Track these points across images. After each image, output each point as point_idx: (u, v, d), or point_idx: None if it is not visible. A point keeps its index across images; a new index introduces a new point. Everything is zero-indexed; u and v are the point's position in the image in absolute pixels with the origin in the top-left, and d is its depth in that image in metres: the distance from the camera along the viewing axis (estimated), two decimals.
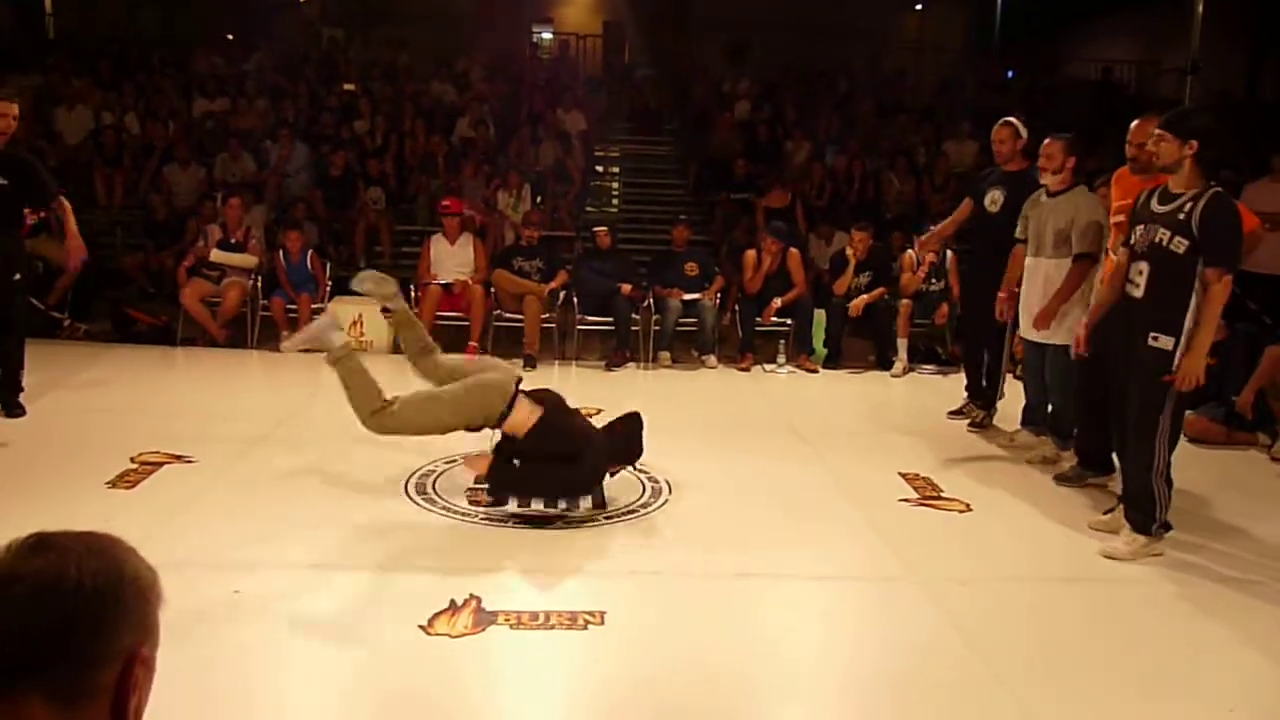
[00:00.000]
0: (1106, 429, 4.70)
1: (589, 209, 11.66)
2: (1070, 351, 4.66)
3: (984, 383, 6.04)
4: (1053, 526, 4.39)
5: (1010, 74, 16.96)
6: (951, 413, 6.22)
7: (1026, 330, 5.37)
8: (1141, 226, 3.96)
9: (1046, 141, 5.24)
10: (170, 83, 12.46)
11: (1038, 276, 5.26)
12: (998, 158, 5.86)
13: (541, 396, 4.46)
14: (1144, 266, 3.91)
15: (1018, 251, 5.46)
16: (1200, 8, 11.53)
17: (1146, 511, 3.97)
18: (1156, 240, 3.84)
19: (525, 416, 4.29)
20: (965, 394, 6.22)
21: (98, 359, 7.07)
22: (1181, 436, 4.64)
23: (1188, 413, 5.92)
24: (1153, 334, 3.84)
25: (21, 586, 1.03)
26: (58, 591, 1.03)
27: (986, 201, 5.82)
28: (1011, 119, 5.83)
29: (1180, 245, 3.77)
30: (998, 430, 5.89)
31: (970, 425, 5.99)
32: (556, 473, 4.30)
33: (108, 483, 4.39)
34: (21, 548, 1.07)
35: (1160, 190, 3.92)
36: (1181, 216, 3.77)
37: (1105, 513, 4.36)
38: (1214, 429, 5.73)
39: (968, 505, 4.57)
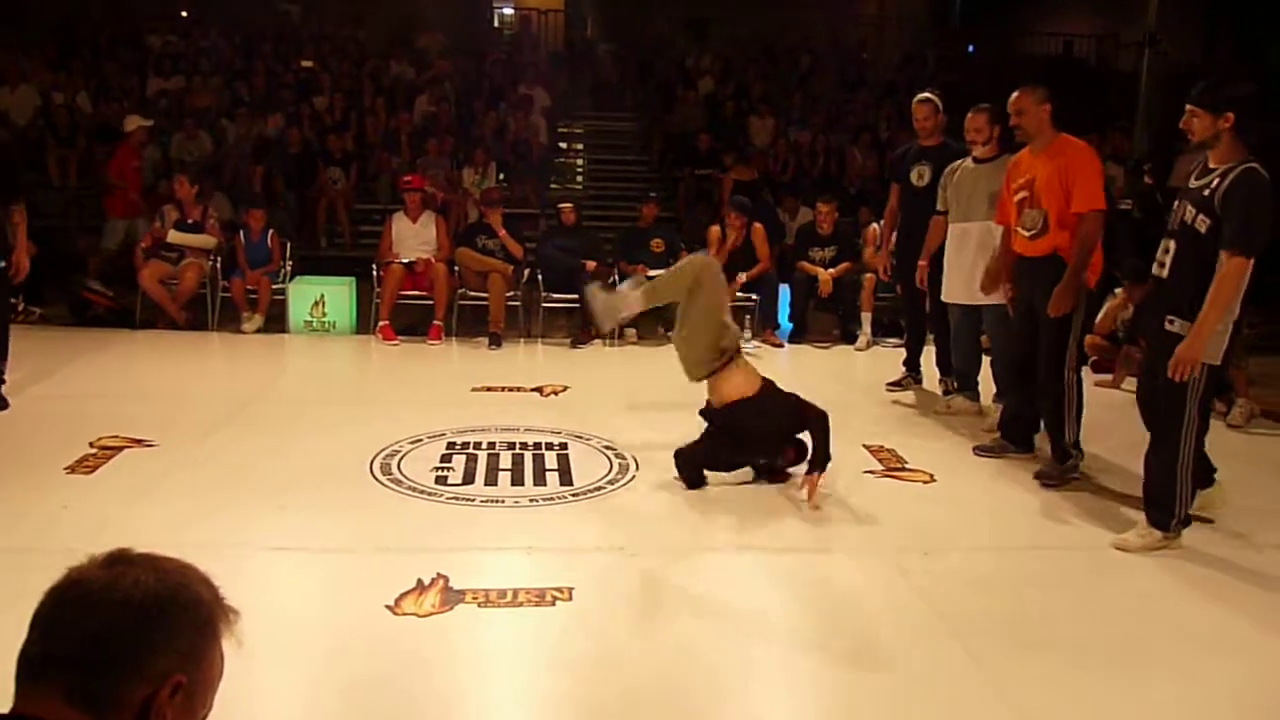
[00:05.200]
0: (1034, 404, 4.81)
1: (553, 186, 11.60)
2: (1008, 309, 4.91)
3: (936, 354, 6.14)
4: (1016, 496, 4.46)
5: (971, 49, 17.04)
6: (890, 384, 6.30)
7: (955, 296, 5.50)
8: (1176, 203, 3.76)
9: (970, 115, 5.37)
10: (123, 61, 12.20)
11: (968, 240, 5.37)
12: (920, 133, 5.98)
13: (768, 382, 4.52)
14: (1171, 245, 3.68)
15: (938, 222, 5.62)
16: None
17: (1167, 508, 3.76)
18: (1184, 217, 3.64)
19: (733, 387, 4.41)
20: (903, 366, 6.35)
21: (54, 343, 6.94)
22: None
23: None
24: (1169, 317, 3.62)
25: (77, 591, 1.11)
26: (104, 601, 1.10)
27: (913, 177, 5.96)
28: (930, 95, 5.96)
29: (1203, 224, 3.52)
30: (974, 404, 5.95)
31: (945, 393, 6.06)
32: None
33: (66, 468, 4.32)
34: (101, 559, 1.15)
35: (1201, 165, 3.71)
36: (1207, 193, 3.52)
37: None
38: None
39: (931, 476, 4.62)
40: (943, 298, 5.62)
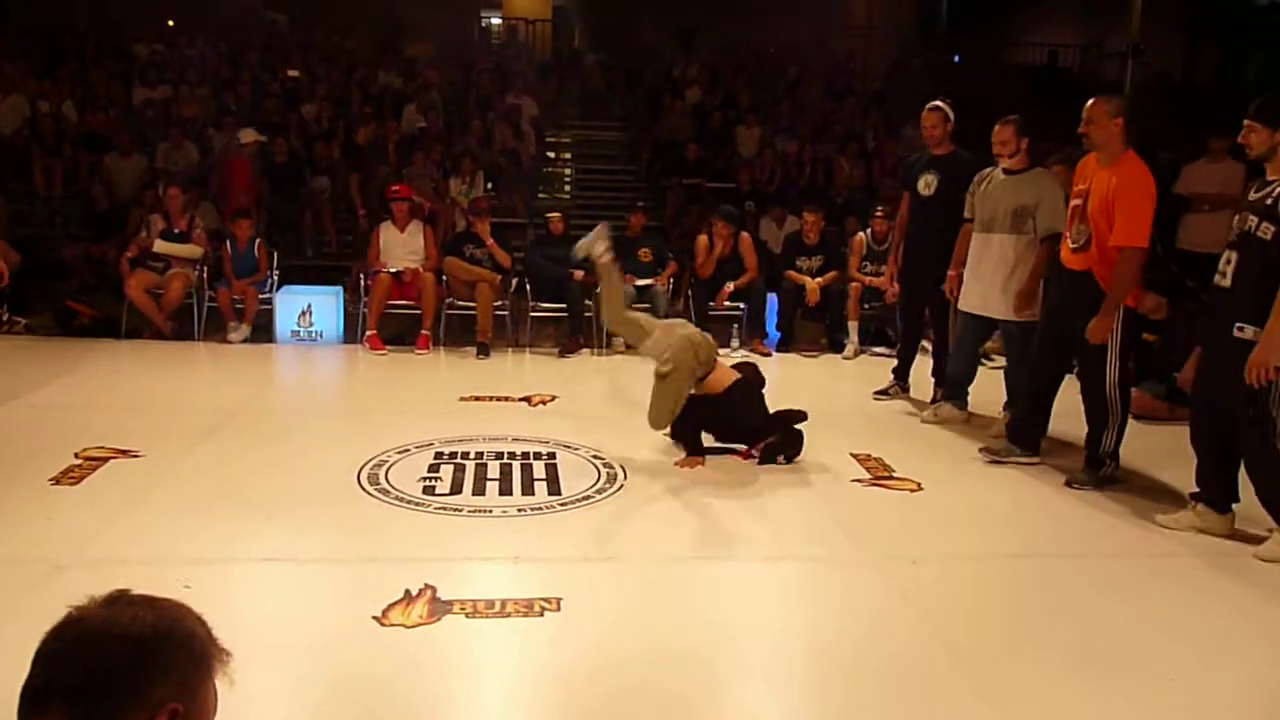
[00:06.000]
0: (1047, 412, 4.90)
1: (541, 195, 11.60)
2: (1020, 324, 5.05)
3: (933, 363, 6.16)
4: (1002, 504, 4.48)
5: (957, 58, 17.15)
6: (877, 393, 6.32)
7: (970, 305, 5.50)
8: (1237, 216, 3.87)
9: (997, 127, 5.32)
10: (109, 70, 12.16)
11: (989, 252, 5.35)
12: (929, 141, 5.93)
13: (740, 365, 5.17)
14: (1233, 255, 3.80)
15: (965, 230, 5.57)
16: None
17: None
18: (1246, 228, 3.75)
19: (724, 376, 4.91)
20: (892, 375, 6.34)
21: (39, 353, 6.91)
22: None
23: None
24: (1238, 324, 3.72)
25: (79, 627, 1.18)
26: (105, 635, 1.17)
27: (920, 185, 5.91)
28: (940, 104, 5.89)
29: (1267, 231, 3.65)
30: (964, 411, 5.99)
31: (934, 401, 6.08)
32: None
33: (51, 479, 4.29)
34: (101, 599, 1.21)
35: (1260, 178, 3.85)
36: (1269, 202, 3.67)
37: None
38: (1156, 405, 5.87)
39: (919, 485, 4.63)
40: (959, 305, 5.63)
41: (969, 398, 5.78)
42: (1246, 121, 3.78)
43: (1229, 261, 3.82)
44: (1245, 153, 3.94)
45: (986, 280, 5.38)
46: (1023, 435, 4.97)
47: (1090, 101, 4.55)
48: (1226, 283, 3.83)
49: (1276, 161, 3.74)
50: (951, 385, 5.81)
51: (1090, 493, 4.55)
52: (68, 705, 1.14)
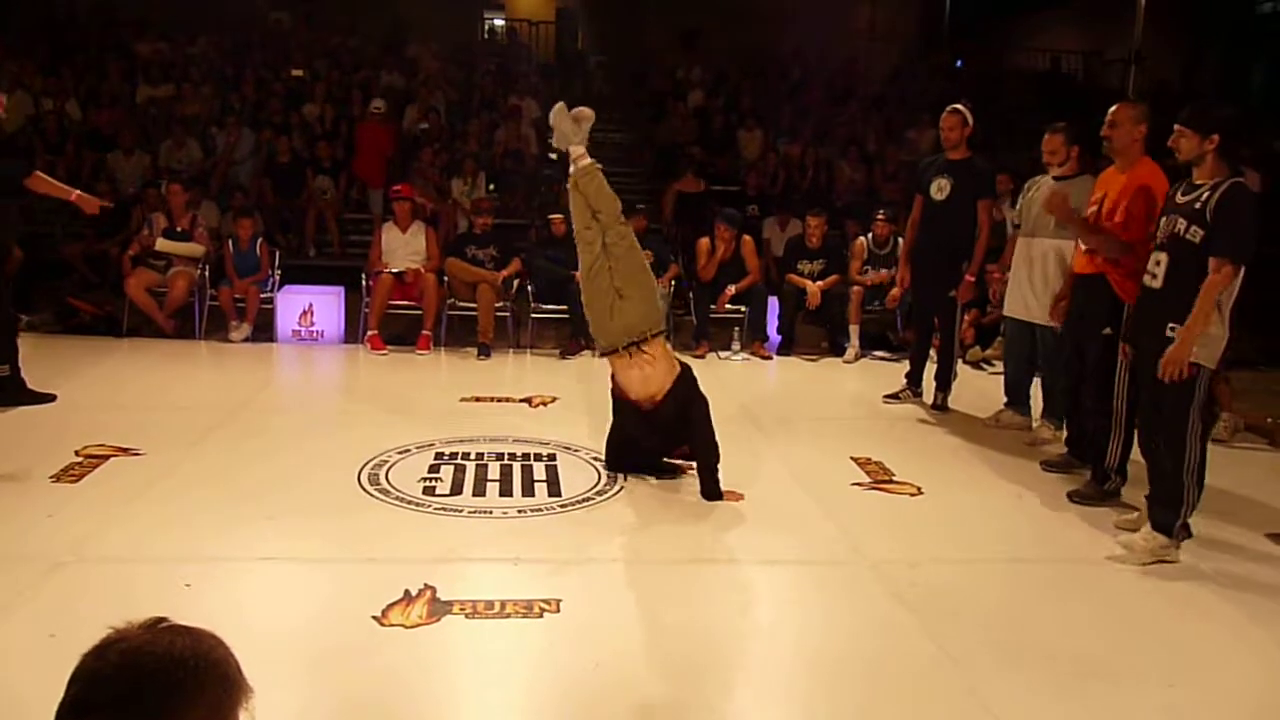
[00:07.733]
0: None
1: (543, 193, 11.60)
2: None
3: (936, 367, 6.16)
4: (1001, 509, 4.48)
5: (959, 63, 17.16)
6: (887, 396, 6.32)
7: (1013, 310, 5.51)
8: (1164, 218, 3.92)
9: (1047, 136, 5.32)
10: (113, 68, 12.17)
11: (1032, 256, 5.37)
12: (945, 144, 5.92)
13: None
14: (1162, 257, 3.86)
15: (1012, 238, 5.60)
16: (1143, 0, 11.76)
17: (1173, 509, 3.84)
18: (1175, 230, 3.80)
19: (667, 370, 4.45)
20: (905, 379, 6.33)
21: (40, 350, 6.90)
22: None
23: None
24: (1171, 324, 3.76)
25: (119, 647, 1.22)
26: (145, 654, 1.21)
27: (933, 190, 5.89)
28: (959, 106, 5.87)
29: (1196, 235, 3.71)
30: (954, 412, 6.01)
31: (933, 406, 6.11)
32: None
33: (51, 476, 4.30)
34: (143, 623, 1.28)
35: (1186, 182, 3.89)
36: (1198, 206, 3.73)
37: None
38: None
39: (918, 489, 4.64)
40: (1004, 310, 5.66)
41: (1030, 404, 5.76)
42: (1176, 127, 3.81)
43: (1159, 263, 3.88)
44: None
45: (1024, 283, 5.41)
46: (1081, 444, 4.93)
47: (1116, 105, 4.62)
48: (1157, 284, 3.88)
49: (1205, 167, 3.77)
50: (1009, 390, 5.79)
51: (1091, 505, 4.53)
52: None
